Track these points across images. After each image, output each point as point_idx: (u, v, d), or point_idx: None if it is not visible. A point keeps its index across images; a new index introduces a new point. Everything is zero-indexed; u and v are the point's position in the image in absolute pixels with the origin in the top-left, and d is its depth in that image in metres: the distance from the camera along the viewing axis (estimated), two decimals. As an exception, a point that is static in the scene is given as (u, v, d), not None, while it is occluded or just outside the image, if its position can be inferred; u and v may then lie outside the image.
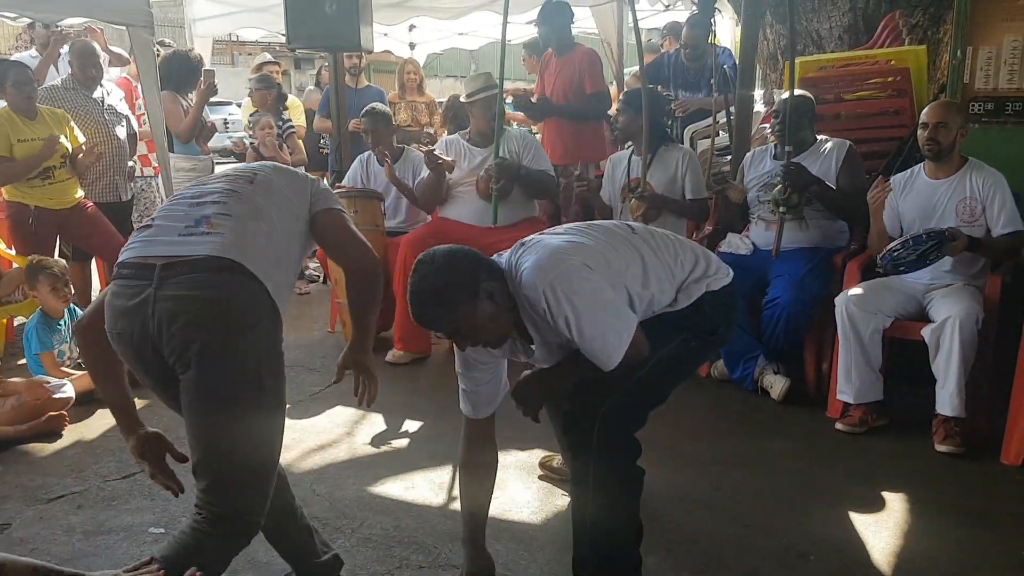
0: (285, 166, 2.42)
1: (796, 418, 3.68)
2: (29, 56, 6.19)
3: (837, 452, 3.36)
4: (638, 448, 2.37)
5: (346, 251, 2.25)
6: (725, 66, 5.12)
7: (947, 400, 3.29)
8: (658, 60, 5.94)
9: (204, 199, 2.09)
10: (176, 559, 1.86)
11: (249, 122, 6.01)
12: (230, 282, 1.92)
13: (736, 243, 4.16)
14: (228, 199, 2.08)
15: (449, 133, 5.42)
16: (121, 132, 5.18)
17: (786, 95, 3.97)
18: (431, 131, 6.62)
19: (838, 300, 3.54)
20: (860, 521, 2.81)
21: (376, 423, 3.66)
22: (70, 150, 4.65)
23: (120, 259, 2.01)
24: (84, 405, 3.80)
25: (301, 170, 2.62)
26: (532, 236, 2.33)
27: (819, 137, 4.12)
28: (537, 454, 3.28)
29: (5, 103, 4.62)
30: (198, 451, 1.95)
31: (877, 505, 2.92)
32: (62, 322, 4.11)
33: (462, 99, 4.84)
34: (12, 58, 6.62)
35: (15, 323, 4.87)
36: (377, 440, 3.48)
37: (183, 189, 2.23)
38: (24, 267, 4.54)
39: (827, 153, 4.03)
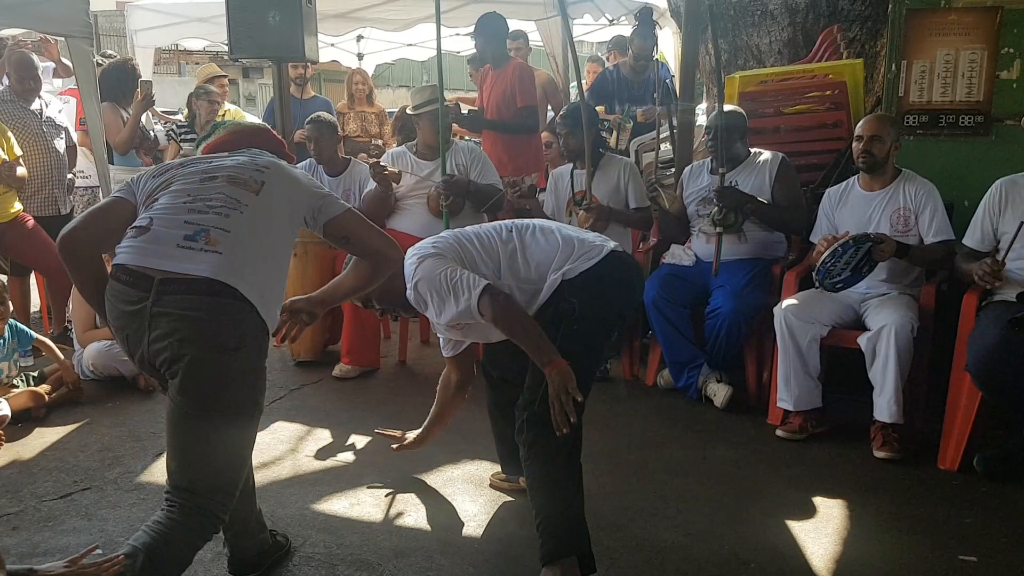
0: (291, 168, 2.44)
1: (738, 425, 3.74)
2: None
3: (778, 459, 3.41)
4: (572, 443, 2.52)
5: (372, 241, 2.41)
6: (667, 80, 5.20)
7: (885, 407, 3.35)
8: (602, 76, 6.01)
9: (206, 203, 2.18)
10: (151, 545, 2.06)
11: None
12: (223, 307, 2.06)
13: (679, 254, 4.22)
14: (230, 211, 2.17)
15: (398, 144, 5.41)
16: (60, 144, 5.08)
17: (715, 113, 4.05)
18: (379, 143, 6.60)
19: (776, 310, 3.61)
20: (800, 528, 2.85)
21: (321, 438, 3.63)
22: (6, 160, 4.55)
23: (118, 260, 2.13)
24: (21, 424, 3.72)
25: (302, 170, 2.66)
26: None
27: (753, 150, 4.20)
28: (486, 466, 3.28)
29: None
30: (177, 453, 2.14)
31: (817, 511, 2.97)
32: (3, 339, 4.00)
33: (408, 111, 4.84)
34: None
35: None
36: (321, 455, 3.45)
37: (181, 182, 2.25)
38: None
39: (761, 166, 4.11)
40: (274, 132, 2.71)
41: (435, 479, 3.22)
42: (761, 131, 4.69)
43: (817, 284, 3.52)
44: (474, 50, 8.43)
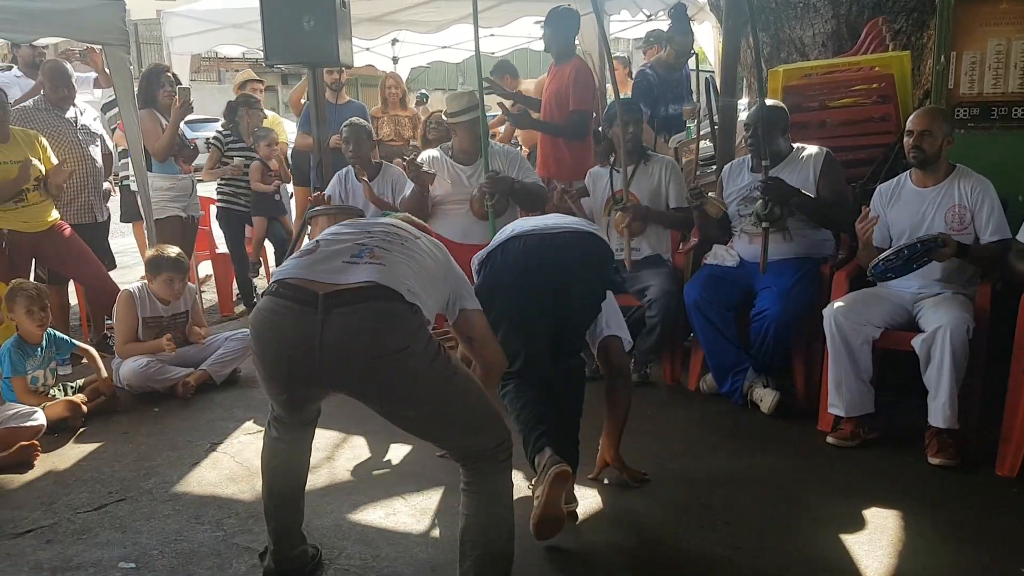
0: (429, 239, 2.54)
1: (786, 432, 3.61)
2: (13, 76, 6.11)
3: (828, 467, 3.28)
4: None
5: (486, 347, 2.60)
6: (708, 75, 5.08)
7: (939, 412, 3.22)
8: (642, 77, 5.84)
9: (369, 233, 2.34)
10: (487, 511, 2.27)
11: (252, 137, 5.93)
12: (388, 310, 2.09)
13: (722, 255, 4.09)
14: (390, 241, 2.32)
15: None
16: (95, 152, 5.10)
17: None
18: (416, 143, 6.56)
19: (826, 312, 3.47)
20: (853, 540, 2.73)
21: (358, 447, 3.57)
22: (43, 172, 4.57)
23: (279, 277, 2.19)
24: (58, 433, 3.71)
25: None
26: None
27: (796, 145, 4.06)
28: (518, 478, 3.20)
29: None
30: (428, 436, 2.40)
31: (870, 522, 2.85)
32: (39, 347, 4.01)
33: (444, 116, 4.77)
34: None
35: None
36: (358, 465, 3.39)
37: (344, 226, 2.46)
38: (0, 291, 4.46)
39: (805, 161, 3.97)
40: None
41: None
42: (806, 126, 4.56)
43: (869, 275, 3.41)
44: (511, 48, 8.46)
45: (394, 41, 8.23)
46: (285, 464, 2.45)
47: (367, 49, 8.32)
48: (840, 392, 3.43)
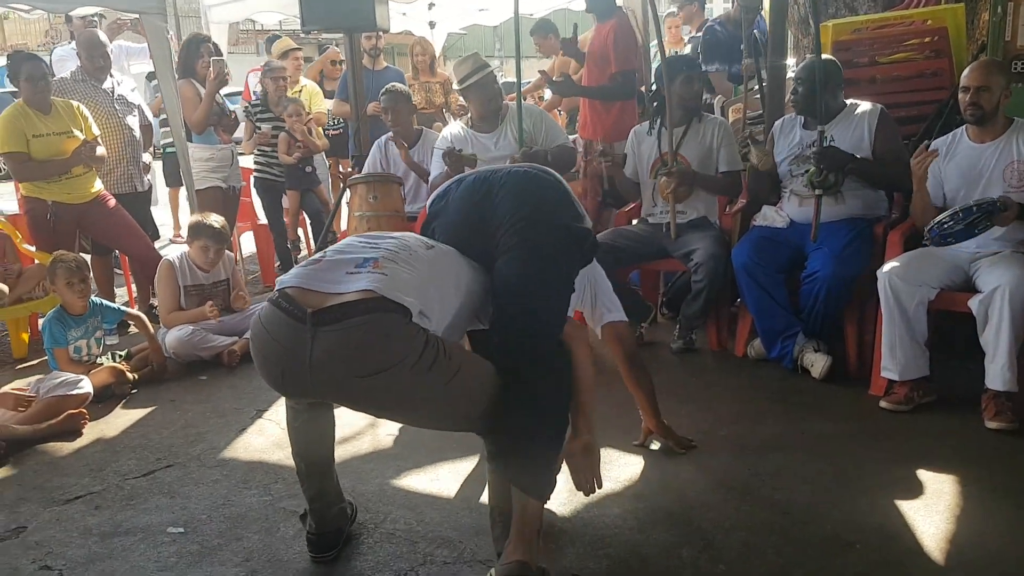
0: (445, 249, 2.44)
1: (838, 397, 3.53)
2: (70, 49, 6.16)
3: (882, 432, 3.20)
4: None
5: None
6: (756, 31, 4.93)
7: (997, 374, 3.13)
8: (711, 33, 5.65)
9: (376, 246, 2.27)
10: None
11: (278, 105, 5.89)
12: (381, 324, 2.03)
13: (772, 216, 3.98)
14: (397, 253, 2.24)
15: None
16: (133, 122, 5.12)
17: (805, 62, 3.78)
18: (450, 111, 6.52)
19: (880, 273, 3.37)
20: (908, 505, 2.66)
21: (400, 413, 3.56)
22: (86, 143, 4.59)
23: (281, 284, 2.17)
24: (104, 402, 3.75)
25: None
26: None
27: (849, 102, 3.92)
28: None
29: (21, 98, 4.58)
30: (437, 428, 2.45)
31: (926, 487, 2.77)
32: (83, 318, 4.05)
33: (454, 87, 4.66)
34: (55, 54, 6.63)
35: (39, 320, 4.83)
36: (401, 431, 3.37)
37: (356, 237, 2.42)
38: (45, 263, 4.52)
39: (859, 118, 3.83)
40: None
41: (517, 455, 3.11)
42: (856, 82, 4.41)
43: (926, 239, 3.30)
44: (548, 11, 8.31)
45: (431, 5, 8.13)
46: (307, 441, 2.44)
47: (403, 14, 8.24)
48: (894, 355, 3.33)
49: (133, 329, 4.55)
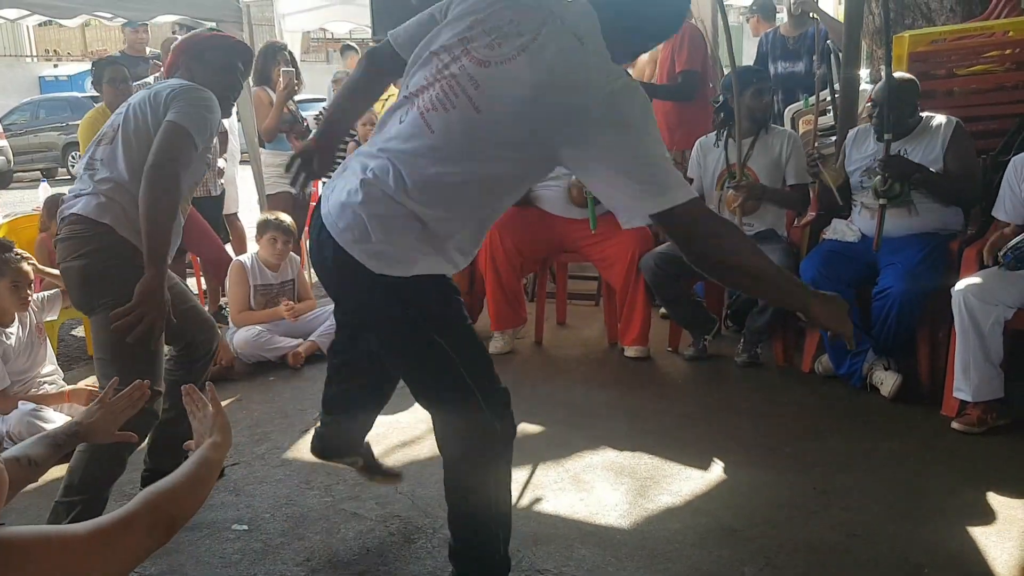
0: None
1: (908, 417, 3.43)
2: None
3: (953, 454, 3.10)
4: None
5: None
6: (827, 41, 4.85)
7: (1077, 398, 3.01)
8: (760, 42, 5.65)
9: None
10: None
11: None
12: None
13: (842, 230, 3.89)
14: None
15: None
16: (209, 127, 5.24)
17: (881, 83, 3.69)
18: None
19: (955, 290, 3.27)
20: (979, 531, 2.57)
21: (461, 419, 3.58)
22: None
23: None
24: (175, 399, 3.85)
25: None
26: None
27: (924, 115, 3.81)
28: (626, 455, 3.15)
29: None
30: None
31: (998, 513, 2.68)
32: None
33: None
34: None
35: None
36: (462, 437, 3.39)
37: None
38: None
39: (934, 132, 3.72)
40: None
41: (573, 464, 3.11)
42: (932, 94, 4.29)
43: (1000, 264, 3.19)
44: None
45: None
46: None
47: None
48: (967, 375, 3.23)
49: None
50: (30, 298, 3.51)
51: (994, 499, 2.76)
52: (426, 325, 1.93)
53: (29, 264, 3.50)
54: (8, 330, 3.46)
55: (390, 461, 3.16)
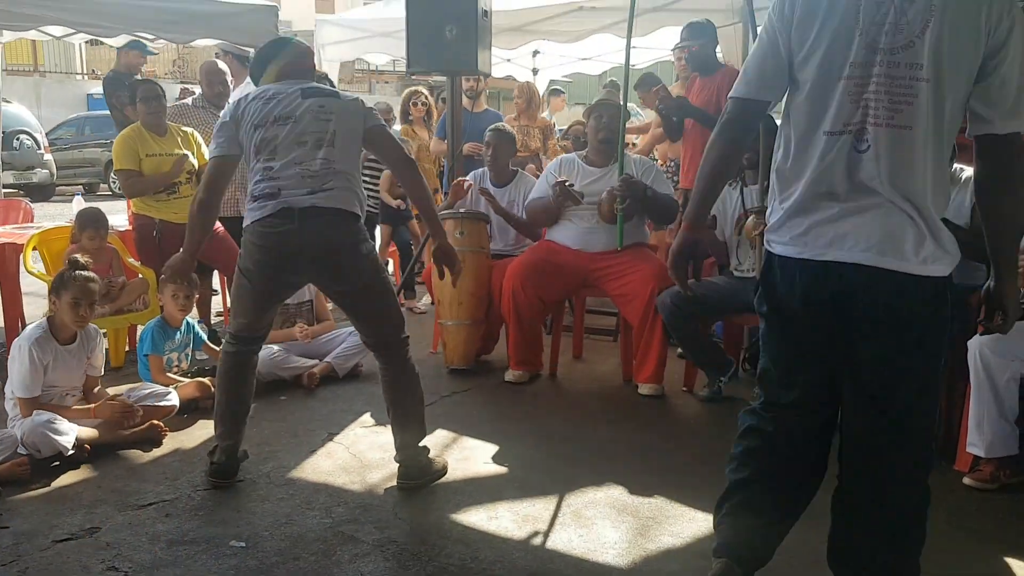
0: None
1: (919, 470, 3.37)
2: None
3: (964, 510, 3.04)
4: None
5: None
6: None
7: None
8: None
9: None
10: (405, 392, 3.23)
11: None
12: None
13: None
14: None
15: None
16: (245, 148, 5.34)
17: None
18: (543, 157, 6.55)
19: (971, 344, 3.23)
20: (987, 591, 2.51)
21: (466, 447, 3.58)
22: (197, 167, 4.82)
23: None
24: (187, 414, 3.89)
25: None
26: None
27: (956, 166, 3.78)
28: (631, 494, 3.12)
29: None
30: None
31: (1008, 571, 2.63)
32: (179, 331, 4.22)
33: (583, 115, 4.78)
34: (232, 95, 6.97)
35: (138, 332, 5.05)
36: (464, 467, 3.39)
37: None
38: (147, 278, 4.74)
39: (963, 184, 3.69)
40: None
41: (576, 500, 3.08)
42: (964, 148, 4.25)
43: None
44: (650, 61, 8.36)
45: (535, 52, 8.28)
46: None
47: (508, 60, 8.42)
48: (981, 431, 3.17)
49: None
50: (88, 318, 3.55)
51: (1004, 557, 2.70)
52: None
53: (94, 284, 3.54)
54: (70, 347, 3.50)
55: (392, 485, 3.17)
